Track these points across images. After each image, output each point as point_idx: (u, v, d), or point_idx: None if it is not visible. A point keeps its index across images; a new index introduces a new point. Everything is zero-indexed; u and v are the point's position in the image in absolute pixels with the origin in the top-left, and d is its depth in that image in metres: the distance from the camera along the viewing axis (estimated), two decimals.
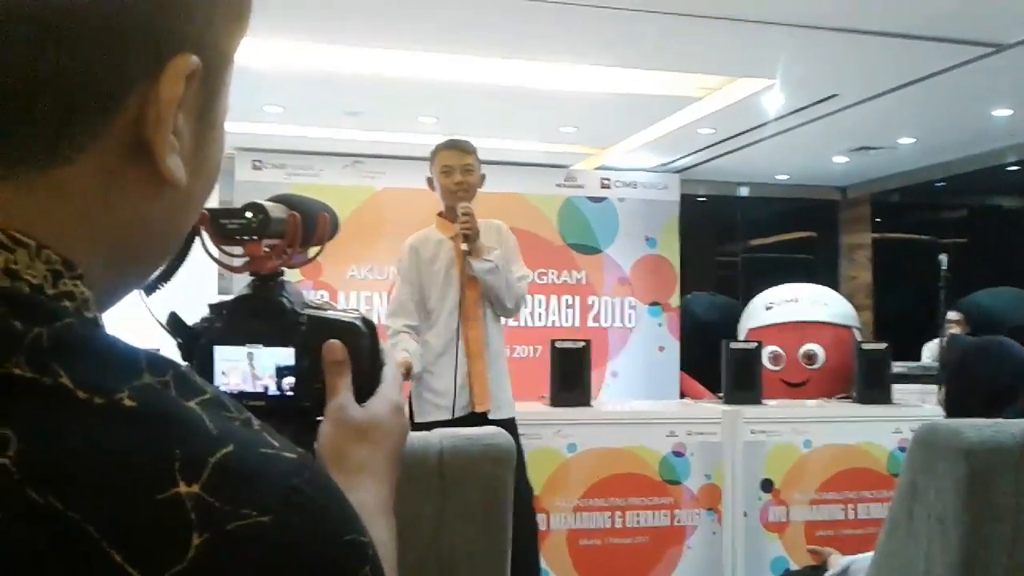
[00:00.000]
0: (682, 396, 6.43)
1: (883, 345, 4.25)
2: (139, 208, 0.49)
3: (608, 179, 6.91)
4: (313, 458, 0.47)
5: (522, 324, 6.25)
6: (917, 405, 4.18)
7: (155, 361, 0.45)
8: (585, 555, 3.78)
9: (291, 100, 5.38)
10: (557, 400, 3.85)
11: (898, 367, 5.33)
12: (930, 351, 6.36)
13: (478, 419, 3.07)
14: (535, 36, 4.24)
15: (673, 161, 6.87)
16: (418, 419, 3.11)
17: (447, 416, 3.06)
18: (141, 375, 0.43)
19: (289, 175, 6.22)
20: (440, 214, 3.29)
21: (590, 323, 6.71)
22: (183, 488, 0.40)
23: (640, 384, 6.61)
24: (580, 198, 6.82)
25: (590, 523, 3.79)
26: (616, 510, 3.82)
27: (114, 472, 0.40)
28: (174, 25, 0.46)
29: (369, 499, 0.73)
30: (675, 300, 6.97)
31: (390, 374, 0.82)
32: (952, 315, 6.02)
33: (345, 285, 6.29)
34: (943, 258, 5.01)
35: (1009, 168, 6.89)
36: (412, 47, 4.50)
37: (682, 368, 6.91)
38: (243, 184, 6.03)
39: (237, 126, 5.86)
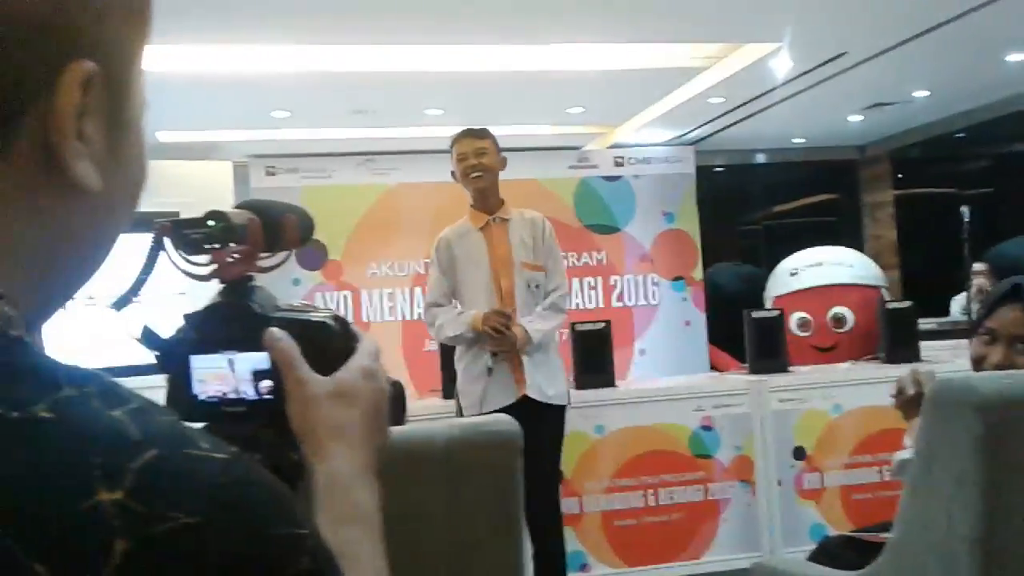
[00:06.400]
0: (713, 369, 6.39)
1: (908, 303, 4.20)
2: (60, 218, 0.49)
3: (622, 157, 6.86)
4: (246, 455, 0.46)
5: None
6: (948, 361, 4.12)
7: (76, 374, 0.45)
8: (620, 535, 3.78)
9: (298, 103, 5.40)
10: (581, 382, 3.84)
11: (928, 324, 5.26)
12: (959, 305, 6.26)
13: (522, 405, 3.05)
14: (534, 18, 4.22)
15: (686, 133, 6.82)
16: (467, 413, 3.11)
17: (493, 407, 3.04)
18: (60, 388, 0.43)
19: (302, 178, 6.24)
20: (472, 205, 3.31)
21: (614, 303, 6.68)
22: (104, 496, 0.40)
23: (668, 360, 6.58)
24: (595, 178, 6.78)
25: (623, 503, 3.79)
26: (648, 488, 3.81)
27: (33, 485, 0.40)
28: (63, 34, 0.46)
29: (344, 466, 0.73)
30: (698, 273, 6.93)
31: (363, 346, 0.81)
32: (978, 266, 5.91)
33: (367, 283, 6.31)
34: (965, 210, 4.92)
35: None
36: (413, 40, 4.50)
37: (711, 340, 6.86)
38: (258, 191, 6.05)
39: (247, 134, 5.90)
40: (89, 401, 0.43)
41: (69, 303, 0.55)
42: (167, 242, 0.81)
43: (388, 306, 6.32)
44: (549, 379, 3.19)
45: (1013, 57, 5.30)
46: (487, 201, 3.26)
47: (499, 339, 3.07)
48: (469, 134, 3.28)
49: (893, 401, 2.21)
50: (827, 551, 2.50)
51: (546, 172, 6.62)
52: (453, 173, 3.30)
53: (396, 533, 0.79)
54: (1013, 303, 2.05)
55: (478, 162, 3.20)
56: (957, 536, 1.60)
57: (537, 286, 3.25)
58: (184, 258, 0.82)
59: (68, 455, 0.41)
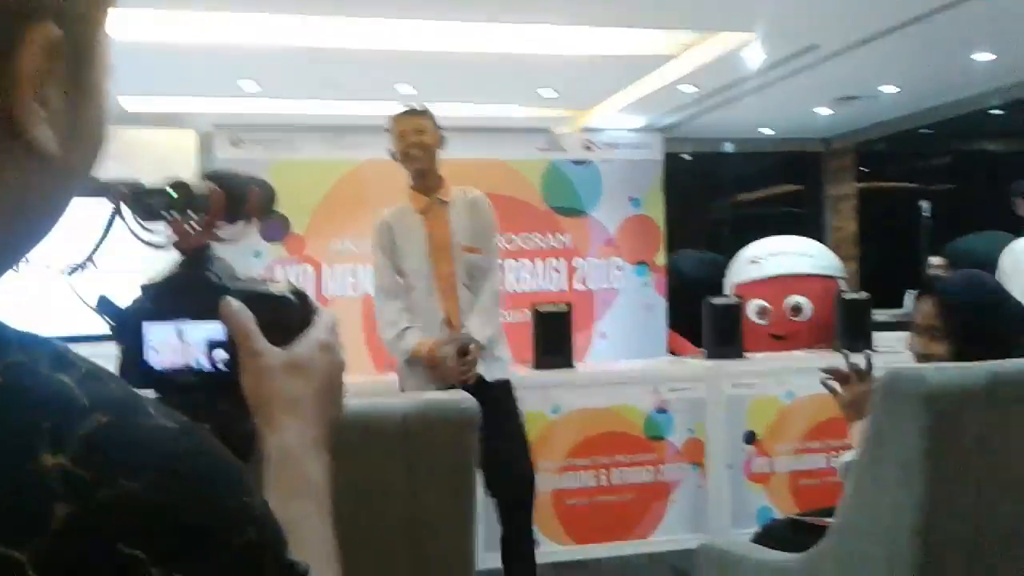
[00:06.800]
0: (671, 353, 6.46)
1: (864, 295, 4.28)
2: (15, 181, 0.48)
3: (591, 141, 6.87)
4: (197, 425, 0.47)
5: (508, 290, 6.26)
6: (899, 352, 4.21)
7: (27, 340, 0.45)
8: (572, 514, 3.82)
9: (267, 75, 5.33)
10: (541, 363, 3.87)
11: (883, 315, 5.36)
12: (911, 297, 6.39)
13: (470, 385, 3.07)
14: None
15: (656, 120, 6.84)
16: (410, 391, 3.12)
17: (438, 386, 3.06)
18: (9, 354, 0.43)
19: (269, 150, 6.17)
20: (411, 186, 3.27)
21: (576, 285, 6.72)
22: (48, 460, 0.40)
23: (628, 344, 6.64)
24: (563, 161, 6.80)
25: (576, 482, 3.84)
26: (601, 468, 3.86)
27: None
28: None
29: (296, 439, 0.74)
30: (661, 259, 6.98)
31: (320, 320, 0.81)
32: (936, 260, 6.02)
33: (329, 259, 6.28)
34: (924, 205, 5.01)
35: (993, 112, 6.87)
36: (386, 14, 4.46)
37: (672, 325, 6.93)
38: (223, 162, 5.98)
39: (213, 103, 5.81)
40: (38, 366, 0.43)
41: (20, 267, 0.55)
42: (125, 209, 0.81)
43: (350, 282, 6.29)
44: (491, 359, 3.18)
45: (980, 56, 5.37)
46: (426, 181, 3.20)
47: (466, 371, 3.05)
48: (408, 113, 3.21)
49: (828, 388, 2.28)
50: (771, 533, 2.55)
51: (515, 153, 6.62)
52: (392, 153, 3.24)
53: (350, 508, 0.80)
54: (928, 296, 2.15)
55: (417, 140, 3.14)
56: (901, 522, 1.64)
57: (478, 268, 3.22)
58: (142, 226, 0.82)
59: (14, 419, 0.41)
